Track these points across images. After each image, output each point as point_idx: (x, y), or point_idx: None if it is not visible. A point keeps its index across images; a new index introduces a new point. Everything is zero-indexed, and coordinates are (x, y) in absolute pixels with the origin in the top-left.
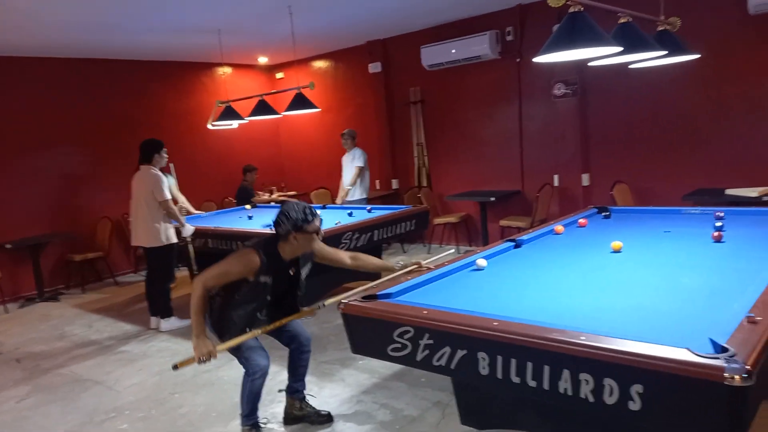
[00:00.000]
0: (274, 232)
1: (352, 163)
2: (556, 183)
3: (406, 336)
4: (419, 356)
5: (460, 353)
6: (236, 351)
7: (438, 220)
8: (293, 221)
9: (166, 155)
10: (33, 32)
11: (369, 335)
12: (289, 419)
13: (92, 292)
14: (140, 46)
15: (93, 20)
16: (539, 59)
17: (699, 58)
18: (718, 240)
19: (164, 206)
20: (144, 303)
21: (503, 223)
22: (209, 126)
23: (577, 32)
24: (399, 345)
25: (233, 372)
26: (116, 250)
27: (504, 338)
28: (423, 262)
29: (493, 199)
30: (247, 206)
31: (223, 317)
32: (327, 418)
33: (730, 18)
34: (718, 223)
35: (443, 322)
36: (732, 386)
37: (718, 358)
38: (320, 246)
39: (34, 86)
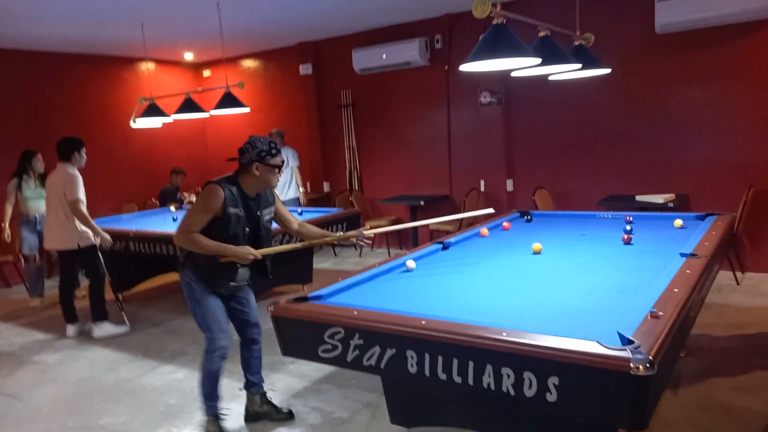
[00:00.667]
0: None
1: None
2: (482, 188)
3: (337, 337)
4: (350, 357)
5: (389, 352)
6: (202, 322)
7: (369, 224)
8: (258, 151)
9: (85, 155)
10: None
11: (299, 337)
12: (249, 416)
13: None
14: (56, 36)
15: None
16: (464, 67)
17: (611, 71)
18: (627, 242)
19: (72, 206)
20: (56, 310)
21: (433, 226)
22: (132, 124)
23: (500, 43)
24: (329, 346)
25: (157, 379)
26: None
27: (431, 336)
28: (364, 232)
29: (422, 203)
30: (172, 208)
31: (210, 262)
32: (287, 416)
33: (640, 36)
34: (628, 227)
35: (373, 322)
36: (636, 375)
37: (624, 350)
38: (277, 198)
39: None
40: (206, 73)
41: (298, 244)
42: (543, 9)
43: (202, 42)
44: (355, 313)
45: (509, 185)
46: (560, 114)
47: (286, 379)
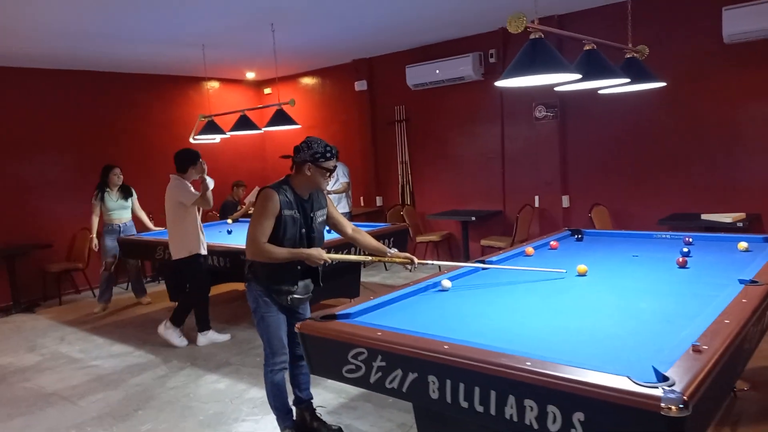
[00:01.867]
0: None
1: (333, 178)
2: (536, 204)
3: (360, 357)
4: (372, 378)
5: (411, 376)
6: (264, 337)
7: (420, 238)
8: (313, 152)
9: (201, 167)
10: (17, 41)
11: (325, 355)
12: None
13: (69, 303)
14: (123, 57)
15: (70, 28)
16: (500, 83)
17: (674, 83)
18: (682, 266)
19: (198, 204)
20: (118, 317)
21: (484, 242)
22: (191, 140)
23: (537, 58)
24: (353, 366)
25: (200, 389)
26: (95, 262)
27: (452, 362)
28: (416, 260)
29: (473, 218)
30: (228, 220)
31: (270, 273)
32: None
33: (706, 46)
34: (685, 249)
35: (395, 344)
36: (668, 416)
37: (657, 387)
38: (330, 201)
39: (18, 95)
40: (267, 90)
41: (363, 257)
42: (597, 22)
43: (261, 61)
44: (379, 333)
45: (565, 201)
46: (620, 128)
47: (324, 395)
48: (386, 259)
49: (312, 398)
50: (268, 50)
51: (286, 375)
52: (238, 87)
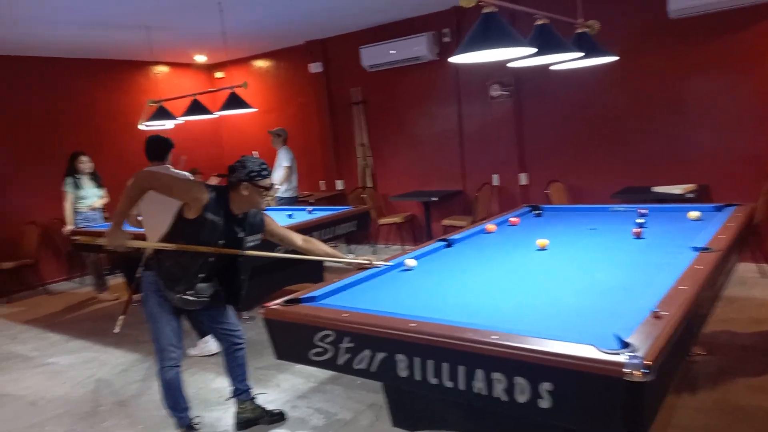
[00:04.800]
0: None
1: (277, 162)
2: (495, 182)
3: (327, 340)
4: (340, 360)
5: (379, 356)
6: (152, 333)
7: (383, 221)
8: (248, 170)
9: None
10: None
11: (291, 340)
12: (242, 423)
13: (20, 301)
14: (62, 41)
15: (4, 12)
16: (454, 59)
17: (623, 59)
18: (638, 236)
19: None
20: (74, 312)
21: (446, 222)
22: (140, 126)
23: (491, 33)
24: (321, 349)
25: None
26: (46, 257)
27: (420, 339)
28: (374, 261)
29: (435, 199)
30: None
31: (175, 263)
32: (279, 417)
33: (652, 21)
34: (640, 220)
35: (362, 324)
36: (631, 381)
37: (620, 354)
38: (271, 220)
39: None
40: (219, 74)
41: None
42: None
43: (211, 44)
44: (345, 315)
45: (523, 179)
46: (573, 105)
47: (292, 380)
48: (344, 262)
49: (251, 388)
50: (216, 32)
51: (181, 372)
52: (187, 71)
